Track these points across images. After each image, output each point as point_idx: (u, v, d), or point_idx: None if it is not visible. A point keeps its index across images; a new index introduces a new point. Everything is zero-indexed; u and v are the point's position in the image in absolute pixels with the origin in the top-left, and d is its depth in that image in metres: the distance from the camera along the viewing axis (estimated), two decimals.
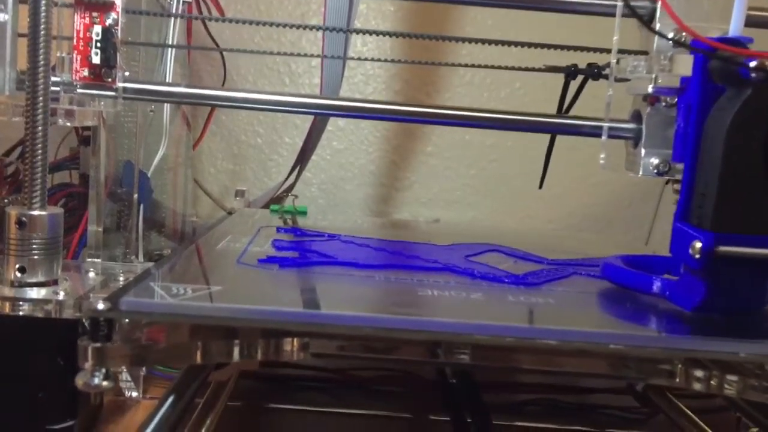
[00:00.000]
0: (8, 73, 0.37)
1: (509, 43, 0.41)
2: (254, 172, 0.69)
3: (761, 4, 0.38)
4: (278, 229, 0.45)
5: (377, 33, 0.41)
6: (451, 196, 0.70)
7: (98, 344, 0.25)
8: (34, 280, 0.34)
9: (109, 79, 0.36)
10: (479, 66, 0.46)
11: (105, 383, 0.25)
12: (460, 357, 0.26)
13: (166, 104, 0.49)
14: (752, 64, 0.28)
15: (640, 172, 0.37)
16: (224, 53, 0.62)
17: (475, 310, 0.30)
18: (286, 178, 0.60)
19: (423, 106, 0.40)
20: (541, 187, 0.45)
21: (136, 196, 0.43)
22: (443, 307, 0.30)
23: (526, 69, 0.44)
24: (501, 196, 0.70)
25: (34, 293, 0.34)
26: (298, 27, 0.43)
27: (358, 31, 0.45)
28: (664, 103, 0.36)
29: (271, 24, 0.40)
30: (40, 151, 0.34)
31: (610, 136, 0.38)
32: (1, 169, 0.43)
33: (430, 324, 0.27)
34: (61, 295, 0.33)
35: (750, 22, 0.31)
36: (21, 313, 0.33)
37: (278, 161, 0.69)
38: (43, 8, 0.33)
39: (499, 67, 0.45)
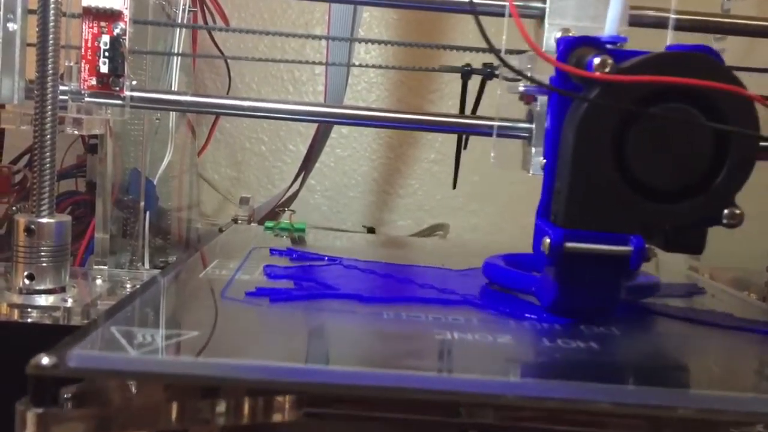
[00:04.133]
0: (17, 82, 0.37)
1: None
2: (258, 179, 0.70)
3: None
4: (272, 252, 0.40)
5: (380, 42, 0.41)
6: (455, 203, 0.71)
7: (40, 410, 0.20)
8: (42, 287, 0.34)
9: (117, 88, 0.37)
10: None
11: None
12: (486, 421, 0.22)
13: (172, 112, 0.49)
14: (595, 61, 0.27)
15: (531, 171, 0.37)
16: (229, 61, 0.63)
17: (506, 360, 0.25)
18: (290, 186, 0.61)
19: (417, 113, 0.40)
20: (454, 187, 0.45)
21: (142, 203, 0.44)
22: (467, 357, 0.25)
23: (421, 69, 0.44)
24: (503, 203, 0.70)
25: (43, 300, 0.34)
26: (302, 36, 0.43)
27: (361, 40, 0.45)
28: None
29: (275, 33, 0.41)
30: (48, 160, 0.35)
31: (505, 136, 0.38)
32: (9, 176, 0.44)
33: (455, 383, 0.22)
34: (69, 302, 0.33)
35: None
36: (29, 320, 0.33)
37: (282, 168, 0.70)
38: (52, 18, 0.34)
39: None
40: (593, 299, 0.30)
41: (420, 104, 0.70)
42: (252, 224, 0.56)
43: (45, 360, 0.21)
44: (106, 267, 0.40)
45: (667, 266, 0.45)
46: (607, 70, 0.28)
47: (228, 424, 0.21)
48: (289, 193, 0.61)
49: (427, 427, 0.22)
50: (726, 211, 0.28)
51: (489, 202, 0.70)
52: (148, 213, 0.44)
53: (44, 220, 0.34)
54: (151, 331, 0.24)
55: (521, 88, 0.37)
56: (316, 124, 0.57)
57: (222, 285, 0.31)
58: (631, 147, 0.28)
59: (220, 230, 0.50)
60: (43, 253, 0.34)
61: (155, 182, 0.47)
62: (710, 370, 0.28)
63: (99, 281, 0.37)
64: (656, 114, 0.28)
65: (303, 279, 0.33)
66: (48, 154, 0.35)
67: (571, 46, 0.30)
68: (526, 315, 0.30)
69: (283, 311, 0.28)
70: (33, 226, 0.34)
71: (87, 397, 0.21)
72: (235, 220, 0.57)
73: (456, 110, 0.70)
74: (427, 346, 0.26)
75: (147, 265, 0.43)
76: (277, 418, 0.21)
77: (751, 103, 0.28)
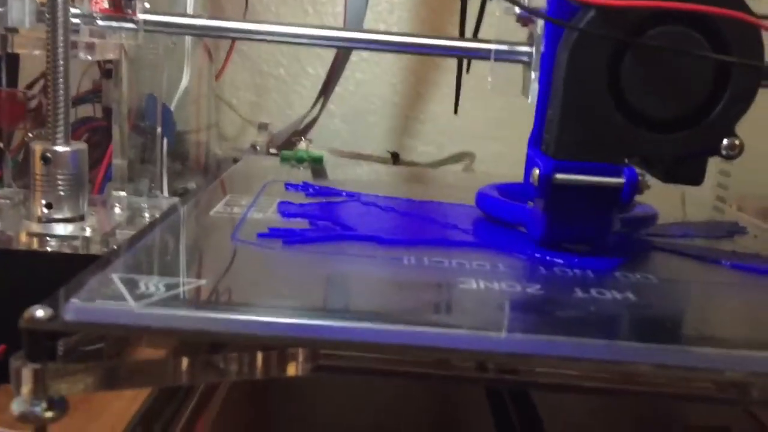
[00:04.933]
0: (27, 4, 0.36)
1: None
2: (277, 104, 0.69)
3: None
4: (287, 186, 0.38)
5: None
6: (478, 130, 0.69)
7: (37, 365, 0.18)
8: (60, 216, 0.34)
9: (129, 11, 0.35)
10: None
11: (49, 413, 0.19)
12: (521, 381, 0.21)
13: (187, 36, 0.48)
14: None
15: (530, 98, 0.35)
16: None
17: (537, 313, 0.23)
18: (309, 111, 0.60)
19: (412, 35, 0.38)
20: (456, 112, 0.44)
21: (159, 129, 0.43)
22: (495, 310, 0.23)
23: None
24: (526, 130, 0.69)
25: (61, 229, 0.34)
26: None
27: None
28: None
29: None
30: (62, 86, 0.34)
31: (504, 60, 0.36)
32: (25, 102, 0.43)
33: (481, 341, 0.20)
34: (88, 231, 0.33)
35: None
36: (48, 248, 0.33)
37: (301, 93, 0.68)
38: None
39: None
40: (583, 231, 0.29)
41: (442, 25, 0.68)
42: (268, 154, 0.55)
43: (39, 312, 0.19)
44: (124, 194, 0.40)
45: (692, 198, 0.43)
46: None
47: (238, 379, 0.20)
48: (309, 119, 0.60)
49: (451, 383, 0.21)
50: (725, 142, 0.27)
51: (512, 128, 0.69)
52: (165, 139, 0.43)
53: (60, 149, 0.34)
54: (155, 279, 0.22)
55: (517, 10, 0.35)
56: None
57: (232, 225, 0.30)
58: (626, 73, 0.27)
59: (235, 160, 0.49)
60: (60, 182, 0.34)
61: (172, 108, 0.46)
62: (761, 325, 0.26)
63: (117, 209, 0.37)
64: (653, 45, 0.26)
65: (319, 218, 0.31)
66: (61, 80, 0.34)
67: None
68: (557, 260, 0.28)
69: (296, 255, 0.27)
70: (49, 155, 0.34)
71: (88, 350, 0.20)
72: (254, 146, 0.56)
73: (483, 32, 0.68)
74: (452, 297, 0.23)
75: (165, 193, 0.42)
76: (290, 371, 0.20)
77: (756, 29, 0.26)
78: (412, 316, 0.21)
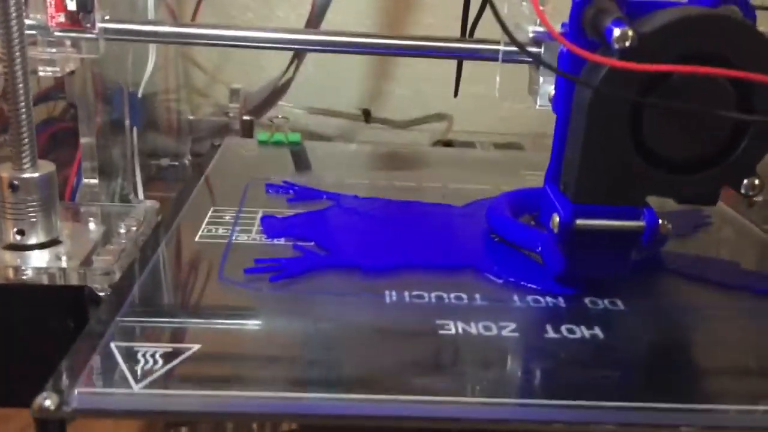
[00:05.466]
0: None
1: None
2: (247, 66, 0.66)
3: None
4: (267, 189, 0.39)
5: None
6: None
7: None
8: (35, 240, 0.34)
9: (88, 24, 0.34)
10: None
11: None
12: None
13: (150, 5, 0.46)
14: (616, 33, 0.25)
15: (538, 102, 0.35)
16: None
17: (510, 370, 0.24)
18: (284, 73, 0.58)
19: (414, 38, 0.36)
20: (456, 95, 0.43)
21: (127, 122, 0.42)
22: (469, 363, 0.24)
23: None
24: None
25: (37, 257, 0.33)
26: None
27: None
28: None
29: None
30: (23, 107, 0.33)
31: (511, 61, 0.35)
32: None
33: (453, 411, 0.22)
34: (64, 261, 0.33)
35: None
36: (24, 277, 0.33)
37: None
38: None
39: None
40: (602, 271, 0.29)
41: None
42: (243, 124, 0.54)
43: (47, 402, 0.21)
44: (98, 206, 0.39)
45: None
46: (627, 44, 0.25)
47: None
48: (284, 79, 0.58)
49: None
50: (746, 182, 0.27)
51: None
52: (135, 133, 0.42)
53: (27, 175, 0.33)
54: (152, 348, 0.23)
55: (527, 11, 0.34)
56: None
57: (219, 255, 0.31)
58: (648, 118, 0.27)
59: (213, 145, 0.48)
60: (30, 209, 0.33)
61: (140, 94, 0.44)
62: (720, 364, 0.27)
63: (92, 225, 0.37)
64: (676, 106, 0.26)
65: (301, 236, 0.33)
66: (23, 101, 0.32)
67: None
68: (530, 285, 0.30)
69: (282, 300, 0.28)
70: (17, 182, 0.33)
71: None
72: (226, 114, 0.55)
73: None
74: (432, 350, 0.25)
75: (141, 195, 0.41)
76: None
77: None
78: (393, 383, 0.23)
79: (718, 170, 0.27)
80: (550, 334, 0.26)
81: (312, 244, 0.32)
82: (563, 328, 0.26)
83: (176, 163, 0.53)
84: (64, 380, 0.22)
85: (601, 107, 0.26)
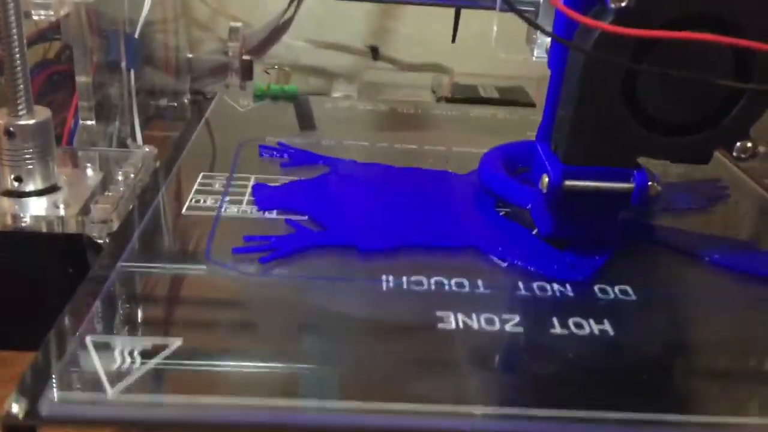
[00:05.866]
0: None
1: None
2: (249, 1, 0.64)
3: None
4: (261, 152, 0.37)
5: None
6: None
7: None
8: (32, 187, 0.34)
9: None
10: None
11: None
12: None
13: None
14: None
15: (535, 54, 0.34)
16: None
17: (514, 374, 0.23)
18: (285, 12, 0.56)
19: None
20: (453, 41, 0.42)
21: (123, 64, 0.41)
22: (468, 365, 0.23)
23: None
24: None
25: (35, 204, 0.34)
26: None
27: None
28: None
29: None
30: (18, 54, 0.32)
31: (508, 10, 0.34)
32: None
33: (452, 424, 0.20)
34: (62, 209, 0.33)
35: None
36: (23, 224, 0.33)
37: None
38: None
39: None
40: (590, 230, 0.29)
41: None
42: (242, 64, 0.53)
43: (15, 408, 0.20)
44: (95, 151, 0.39)
45: None
46: (623, 4, 0.24)
47: None
48: (286, 17, 0.56)
49: None
50: (738, 144, 0.27)
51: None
52: (132, 75, 0.41)
53: (23, 122, 0.33)
54: (129, 343, 0.22)
55: None
56: None
57: (207, 229, 0.29)
58: (642, 80, 0.26)
59: (205, 97, 0.46)
60: (27, 156, 0.33)
61: (137, 34, 0.43)
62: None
63: (90, 171, 0.37)
64: (673, 74, 0.25)
65: (294, 207, 0.31)
66: (17, 47, 0.32)
67: None
68: (535, 269, 0.28)
69: (271, 286, 0.26)
70: (12, 129, 0.33)
71: None
72: (225, 53, 0.54)
73: None
74: (428, 349, 0.23)
75: (139, 140, 0.41)
76: None
77: None
78: (389, 390, 0.21)
79: (712, 133, 0.27)
80: (557, 329, 0.24)
81: (305, 218, 0.31)
82: (571, 321, 0.25)
83: (175, 104, 0.52)
84: (34, 383, 0.20)
85: (594, 68, 0.26)
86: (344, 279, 0.27)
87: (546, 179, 0.28)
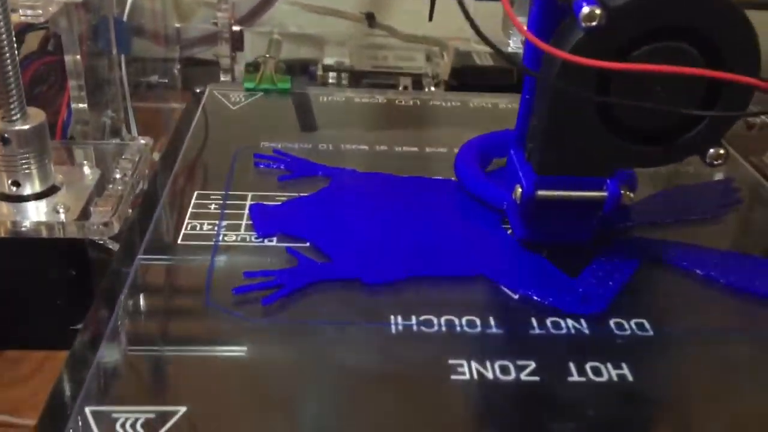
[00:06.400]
0: None
1: None
2: None
3: None
4: (256, 162, 0.36)
5: None
6: None
7: None
8: (30, 192, 0.34)
9: None
10: None
11: None
12: None
13: None
14: (584, 10, 0.24)
15: (511, 44, 0.33)
16: None
17: (530, 423, 0.22)
18: None
19: None
20: (430, 19, 0.41)
21: (114, 52, 0.40)
22: (487, 425, 0.22)
23: None
24: None
25: (34, 209, 0.34)
26: None
27: None
28: None
29: None
30: (9, 60, 0.31)
31: None
32: None
33: None
34: (62, 214, 0.33)
35: None
36: (24, 229, 0.33)
37: None
38: None
39: None
40: (565, 237, 0.30)
41: None
42: (232, 36, 0.51)
43: None
44: (90, 145, 0.38)
45: None
46: (594, 24, 0.24)
47: None
48: None
49: None
50: (711, 151, 0.27)
51: None
52: (123, 62, 0.41)
53: (18, 128, 0.32)
54: (131, 413, 0.21)
55: None
56: None
57: (206, 265, 0.28)
58: (615, 88, 0.26)
59: (194, 93, 0.45)
60: (23, 161, 0.33)
61: (125, 17, 0.42)
62: None
63: (86, 169, 0.36)
64: (643, 69, 0.25)
65: (294, 231, 0.30)
66: (7, 52, 0.31)
67: None
68: (550, 301, 0.27)
69: (275, 334, 0.25)
70: (8, 135, 0.32)
71: None
72: (215, 23, 0.53)
73: None
74: (443, 406, 0.22)
75: (134, 130, 0.41)
76: None
77: (751, 39, 0.25)
78: None
79: (685, 141, 0.27)
80: (574, 376, 0.23)
81: (307, 244, 0.29)
82: (588, 367, 0.24)
83: (166, 80, 0.52)
84: None
85: (570, 75, 0.25)
86: (351, 323, 0.25)
87: (519, 190, 0.28)
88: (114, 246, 0.34)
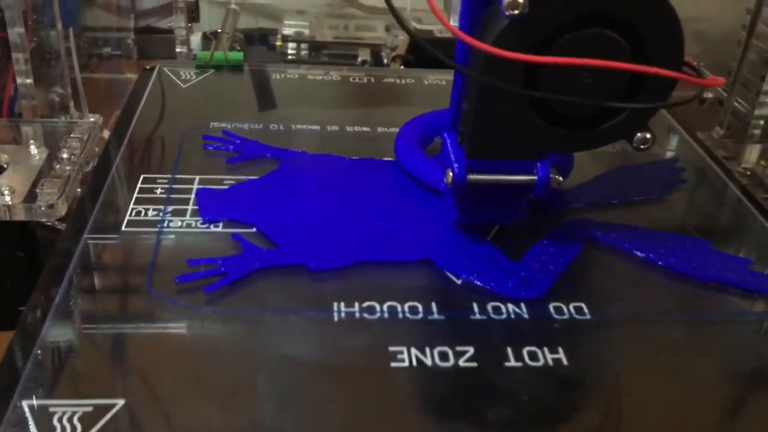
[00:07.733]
0: None
1: None
2: None
3: None
4: (205, 144, 0.35)
5: None
6: None
7: None
8: None
9: None
10: None
11: None
12: None
13: None
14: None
15: (451, 21, 0.33)
16: None
17: (461, 415, 0.22)
18: None
19: None
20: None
21: (59, 26, 0.39)
22: (422, 411, 0.22)
23: None
24: None
25: None
26: None
27: None
28: None
29: None
30: None
31: None
32: None
33: None
34: (8, 197, 0.33)
35: None
36: None
37: None
38: None
39: None
40: (497, 216, 0.30)
41: None
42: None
43: None
44: (39, 123, 0.38)
45: None
46: (517, 12, 0.24)
47: None
48: None
49: None
50: (638, 135, 0.28)
51: None
52: (73, 40, 0.40)
53: None
54: (69, 408, 0.21)
55: None
56: None
57: (149, 252, 0.27)
58: (542, 75, 0.26)
59: (144, 70, 0.43)
60: None
61: None
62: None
63: (33, 149, 0.36)
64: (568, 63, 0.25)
65: (241, 217, 0.30)
66: None
67: None
68: (491, 286, 0.27)
69: (216, 323, 0.25)
70: None
71: None
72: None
73: None
74: (381, 393, 0.22)
75: (84, 108, 0.40)
76: None
77: (674, 22, 0.25)
78: None
79: (612, 126, 0.27)
80: (511, 362, 0.24)
81: (253, 230, 0.29)
82: (525, 352, 0.24)
83: (119, 53, 0.51)
84: None
85: (496, 63, 0.25)
86: (294, 310, 0.25)
87: (451, 174, 0.28)
88: (62, 226, 0.34)
